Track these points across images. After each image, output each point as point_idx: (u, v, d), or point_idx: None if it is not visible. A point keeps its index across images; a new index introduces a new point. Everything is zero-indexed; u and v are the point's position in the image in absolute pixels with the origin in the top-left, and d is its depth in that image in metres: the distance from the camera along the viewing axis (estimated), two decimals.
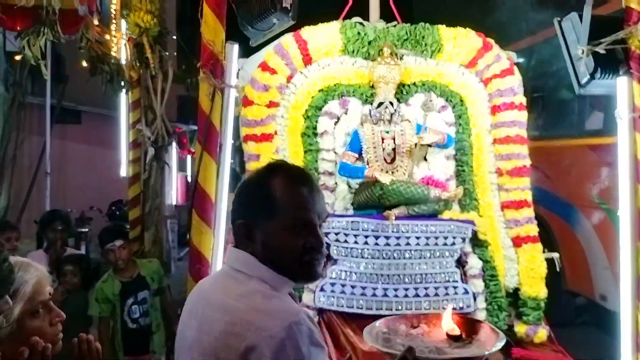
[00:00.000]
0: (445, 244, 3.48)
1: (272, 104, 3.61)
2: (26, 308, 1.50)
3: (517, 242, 3.66)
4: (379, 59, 3.67)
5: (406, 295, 3.39)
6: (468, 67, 3.82)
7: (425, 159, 3.83)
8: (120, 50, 4.95)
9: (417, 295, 3.40)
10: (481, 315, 3.44)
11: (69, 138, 9.88)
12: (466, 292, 3.46)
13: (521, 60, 4.14)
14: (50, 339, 1.52)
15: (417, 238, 3.44)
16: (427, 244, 3.45)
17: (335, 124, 3.76)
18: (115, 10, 4.92)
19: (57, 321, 1.58)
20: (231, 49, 3.17)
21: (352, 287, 3.38)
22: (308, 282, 1.72)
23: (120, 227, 4.53)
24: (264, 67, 3.60)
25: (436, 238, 3.46)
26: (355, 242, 3.41)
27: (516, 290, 3.64)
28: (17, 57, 5.83)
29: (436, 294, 3.42)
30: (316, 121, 3.71)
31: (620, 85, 3.13)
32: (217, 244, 3.05)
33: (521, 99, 3.78)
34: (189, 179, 12.53)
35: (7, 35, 6.64)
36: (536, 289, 3.57)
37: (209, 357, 1.30)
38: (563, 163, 6.20)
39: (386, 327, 1.69)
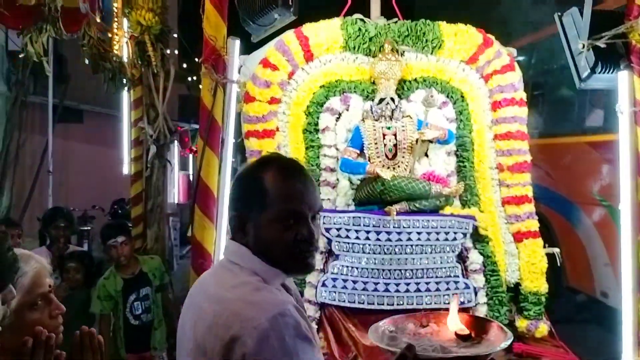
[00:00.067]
0: (446, 239, 3.49)
1: (273, 100, 3.63)
2: (25, 300, 1.49)
3: (518, 237, 3.68)
4: (380, 55, 3.69)
5: (407, 290, 3.40)
6: (469, 63, 3.83)
7: (426, 154, 3.85)
8: (122, 48, 4.95)
9: (418, 290, 3.42)
10: (482, 310, 3.46)
11: (71, 137, 9.90)
12: (467, 287, 3.47)
13: (521, 58, 4.14)
14: (50, 331, 1.51)
15: (419, 233, 3.45)
16: (428, 239, 3.46)
17: (336, 120, 3.77)
18: (117, 8, 4.91)
19: (57, 314, 1.57)
20: (233, 45, 3.18)
21: (354, 282, 3.39)
22: (301, 275, 1.71)
23: (122, 224, 4.53)
24: (266, 63, 3.61)
25: (437, 233, 3.48)
26: (357, 238, 3.42)
27: (517, 285, 3.66)
28: (20, 56, 5.83)
29: (437, 289, 3.44)
30: (317, 117, 3.73)
31: (621, 79, 3.14)
32: (219, 238, 3.06)
33: (522, 94, 3.79)
34: (191, 178, 12.55)
35: (10, 34, 6.66)
36: (537, 283, 3.59)
37: (200, 347, 1.31)
38: (564, 161, 6.20)
39: (394, 325, 1.66)
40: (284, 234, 1.37)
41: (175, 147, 12.05)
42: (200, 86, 3.33)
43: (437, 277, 3.45)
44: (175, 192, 12.35)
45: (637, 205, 3.10)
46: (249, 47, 3.73)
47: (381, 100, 3.70)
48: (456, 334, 1.58)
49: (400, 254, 3.42)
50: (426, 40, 3.77)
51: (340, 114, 3.78)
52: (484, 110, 3.84)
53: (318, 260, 3.41)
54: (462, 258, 3.57)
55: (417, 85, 3.84)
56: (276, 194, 1.37)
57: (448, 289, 3.45)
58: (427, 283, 3.44)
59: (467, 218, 3.55)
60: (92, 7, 4.51)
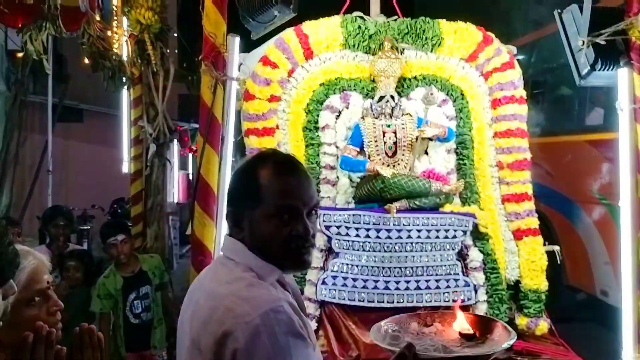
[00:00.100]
0: (446, 237, 3.49)
1: (273, 98, 3.63)
2: (22, 296, 1.47)
3: (518, 234, 3.68)
4: (379, 52, 3.68)
5: (407, 288, 3.40)
6: (468, 60, 3.83)
7: (426, 152, 3.84)
8: (122, 46, 4.95)
9: (418, 288, 3.42)
10: (482, 307, 3.46)
11: (71, 136, 9.92)
12: (467, 284, 3.47)
13: (521, 56, 4.14)
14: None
15: (419, 231, 3.45)
16: (428, 237, 3.46)
17: (336, 118, 3.77)
18: (116, 6, 4.92)
19: (55, 310, 1.56)
20: (232, 42, 3.17)
21: (354, 279, 3.39)
22: (296, 271, 1.70)
23: (122, 222, 4.54)
24: (265, 61, 3.61)
25: (437, 231, 3.47)
26: (357, 235, 3.42)
27: (517, 282, 3.65)
28: (19, 55, 5.83)
29: (437, 287, 3.44)
30: (317, 115, 3.72)
31: (621, 76, 3.14)
32: (219, 235, 3.06)
33: (521, 92, 3.79)
34: (191, 177, 12.55)
35: (9, 33, 6.65)
36: (537, 281, 3.58)
37: (195, 342, 1.30)
38: (564, 159, 6.20)
39: (397, 324, 1.64)
40: (278, 229, 1.36)
41: (175, 147, 12.07)
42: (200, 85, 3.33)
43: (437, 274, 3.44)
44: (175, 192, 12.36)
45: (637, 202, 3.10)
46: (248, 45, 3.72)
47: (381, 98, 3.70)
48: (460, 334, 1.57)
49: (400, 251, 3.42)
50: (426, 38, 3.76)
51: (340, 112, 3.78)
52: (483, 108, 3.83)
53: (318, 258, 3.40)
54: (462, 256, 3.57)
55: (416, 83, 3.83)
56: (271, 189, 1.37)
57: (448, 286, 3.45)
58: (427, 281, 3.43)
59: (467, 216, 3.54)
60: (91, 6, 4.51)
